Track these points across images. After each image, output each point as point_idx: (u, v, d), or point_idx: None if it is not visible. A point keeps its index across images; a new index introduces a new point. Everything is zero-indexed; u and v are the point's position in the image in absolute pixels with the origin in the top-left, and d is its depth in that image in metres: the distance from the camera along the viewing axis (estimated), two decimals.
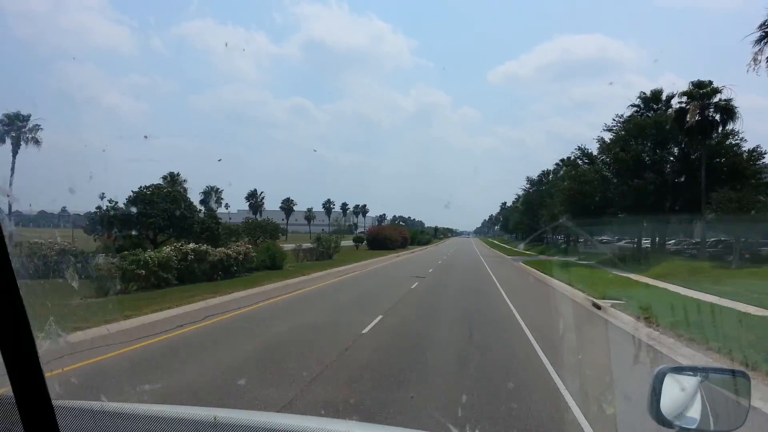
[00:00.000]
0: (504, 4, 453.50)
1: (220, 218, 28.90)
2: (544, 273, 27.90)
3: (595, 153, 42.49)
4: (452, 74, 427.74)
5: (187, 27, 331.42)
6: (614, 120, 40.26)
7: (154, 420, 1.86)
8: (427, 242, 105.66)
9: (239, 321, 12.70)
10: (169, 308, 13.33)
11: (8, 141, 48.89)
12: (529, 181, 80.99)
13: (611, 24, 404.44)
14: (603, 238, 54.06)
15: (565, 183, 42.23)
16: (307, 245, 37.19)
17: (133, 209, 21.89)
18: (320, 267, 29.21)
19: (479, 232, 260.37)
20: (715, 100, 30.32)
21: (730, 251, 29.80)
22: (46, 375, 1.37)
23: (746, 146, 33.80)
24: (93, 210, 23.17)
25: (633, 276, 25.63)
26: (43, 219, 70.90)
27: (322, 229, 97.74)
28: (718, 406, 2.13)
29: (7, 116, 48.27)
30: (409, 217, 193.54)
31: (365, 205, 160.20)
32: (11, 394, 1.34)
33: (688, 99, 30.84)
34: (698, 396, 2.13)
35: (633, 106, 40.14)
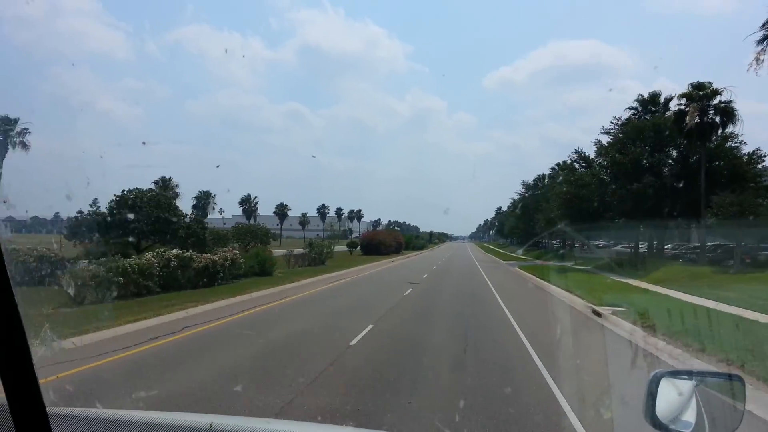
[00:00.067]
0: (499, 9, 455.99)
1: (208, 223, 28.02)
2: (542, 279, 27.25)
3: (592, 156, 42.03)
4: (447, 79, 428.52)
5: (183, 32, 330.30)
6: (612, 123, 39.85)
7: (149, 427, 1.84)
8: (422, 247, 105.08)
9: (218, 333, 11.89)
10: (146, 318, 12.56)
11: None
12: (525, 185, 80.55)
13: (606, 30, 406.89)
14: (599, 242, 53.61)
15: (564, 188, 41.68)
16: (298, 251, 36.38)
17: (110, 214, 21.01)
18: (311, 273, 28.42)
19: (474, 236, 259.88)
20: (715, 102, 29.80)
21: (729, 256, 29.23)
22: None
23: (745, 149, 33.43)
24: (74, 215, 22.29)
25: (632, 281, 25.07)
26: (37, 225, 70.12)
27: (317, 234, 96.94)
28: (713, 409, 2.13)
29: None
30: (405, 222, 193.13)
31: (360, 210, 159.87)
32: (5, 401, 1.32)
33: (687, 101, 30.29)
34: (694, 400, 2.12)
35: (630, 108, 39.76)
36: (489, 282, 27.64)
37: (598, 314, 15.35)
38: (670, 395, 2.10)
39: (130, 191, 21.96)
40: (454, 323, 14.24)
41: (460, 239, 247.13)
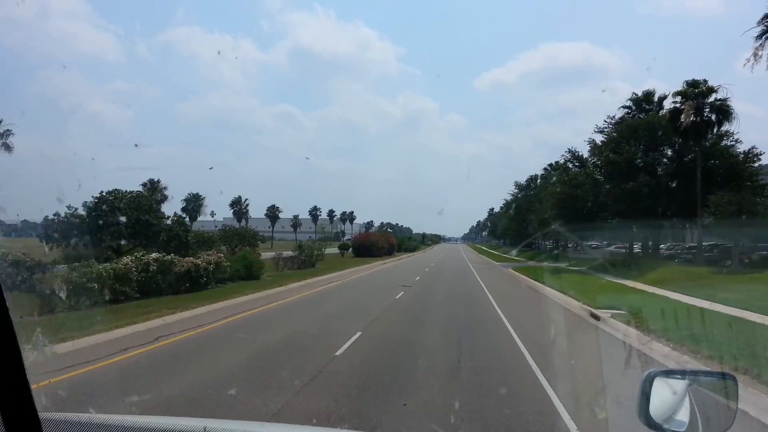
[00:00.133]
0: (490, 12, 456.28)
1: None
2: (537, 281, 26.62)
3: (585, 156, 41.54)
4: (439, 81, 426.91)
5: (174, 34, 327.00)
6: (606, 121, 39.38)
7: (142, 431, 1.82)
8: (414, 249, 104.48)
9: (193, 343, 11.05)
10: (118, 327, 11.73)
11: None
12: (518, 186, 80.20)
13: (597, 32, 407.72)
14: (592, 243, 53.27)
15: (558, 189, 41.18)
16: (287, 253, 35.53)
17: (88, 217, 20.08)
18: (300, 276, 27.61)
19: (467, 238, 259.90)
20: (710, 99, 29.30)
21: (726, 256, 28.79)
22: None
23: (740, 148, 33.01)
24: (50, 216, 21.31)
25: (628, 282, 24.53)
26: (27, 228, 68.71)
27: (309, 237, 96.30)
28: (706, 408, 2.12)
29: None
30: (397, 224, 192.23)
31: (352, 212, 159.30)
32: None
33: (682, 99, 29.77)
34: (687, 399, 2.13)
35: (624, 107, 39.32)
36: (483, 284, 26.94)
37: (597, 317, 14.76)
38: (664, 394, 2.09)
39: (109, 192, 21.04)
40: (446, 328, 13.57)
41: (453, 240, 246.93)
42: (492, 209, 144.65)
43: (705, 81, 29.57)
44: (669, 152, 36.00)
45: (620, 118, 38.61)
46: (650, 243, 38.13)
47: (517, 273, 34.22)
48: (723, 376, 2.32)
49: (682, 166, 34.14)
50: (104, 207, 20.09)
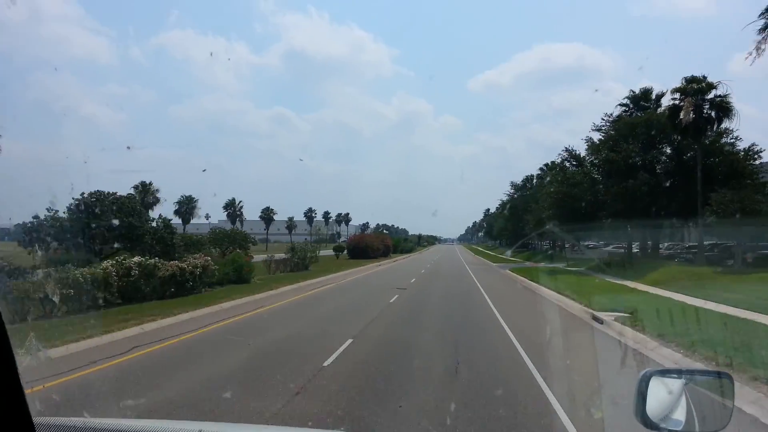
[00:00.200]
0: (484, 13, 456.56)
1: (176, 229, 26.21)
2: (535, 282, 25.91)
3: (583, 154, 40.98)
4: (433, 83, 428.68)
5: (167, 37, 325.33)
6: (603, 119, 38.81)
7: None
8: (410, 250, 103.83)
9: (173, 353, 10.30)
10: (92, 337, 10.94)
11: None
12: (513, 186, 79.68)
13: (590, 33, 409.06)
14: (589, 243, 52.78)
15: (552, 189, 40.59)
16: (280, 255, 34.73)
17: (69, 219, 19.25)
18: (293, 279, 26.82)
19: (463, 239, 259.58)
20: (710, 96, 28.74)
21: (727, 255, 28.25)
22: None
23: (741, 145, 32.46)
24: (30, 220, 20.45)
25: (629, 283, 23.92)
26: (20, 232, 67.64)
27: (305, 239, 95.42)
28: (703, 407, 2.13)
29: None
30: (393, 225, 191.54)
31: (348, 214, 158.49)
32: None
33: (681, 95, 29.19)
34: (683, 398, 2.13)
35: (621, 105, 38.77)
36: (480, 286, 26.24)
37: (600, 321, 14.14)
38: (660, 394, 2.09)
39: (91, 194, 20.24)
40: (443, 331, 12.92)
41: (449, 241, 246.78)
42: (488, 210, 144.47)
43: (704, 77, 29.02)
44: (668, 150, 35.44)
45: (618, 116, 38.05)
46: (649, 243, 37.57)
47: (517, 275, 33.48)
48: (719, 375, 2.29)
49: (682, 164, 33.56)
50: (85, 209, 19.24)
